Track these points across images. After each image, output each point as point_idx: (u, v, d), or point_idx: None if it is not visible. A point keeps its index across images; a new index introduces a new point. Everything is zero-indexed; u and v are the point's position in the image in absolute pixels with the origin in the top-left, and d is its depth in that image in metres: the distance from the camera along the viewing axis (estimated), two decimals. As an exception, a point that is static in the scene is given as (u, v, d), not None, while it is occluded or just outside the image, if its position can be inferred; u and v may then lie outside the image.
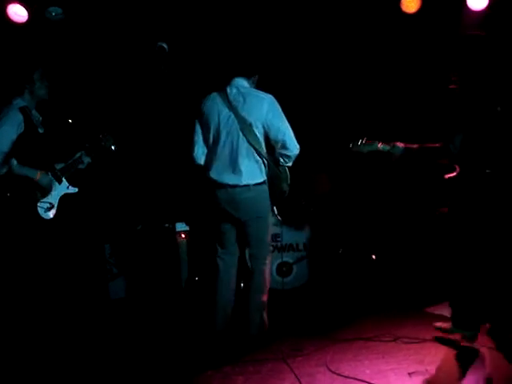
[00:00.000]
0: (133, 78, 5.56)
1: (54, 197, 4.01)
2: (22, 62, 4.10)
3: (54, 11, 5.30)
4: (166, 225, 5.24)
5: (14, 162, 3.87)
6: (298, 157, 3.97)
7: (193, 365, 3.72)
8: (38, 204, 3.93)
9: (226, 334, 3.90)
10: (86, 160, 4.19)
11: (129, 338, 4.34)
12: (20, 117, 3.89)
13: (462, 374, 3.39)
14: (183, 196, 5.42)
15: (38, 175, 3.92)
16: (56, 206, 4.01)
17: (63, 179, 4.09)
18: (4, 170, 3.84)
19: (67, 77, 5.34)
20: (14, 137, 3.84)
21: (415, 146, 4.00)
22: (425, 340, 3.88)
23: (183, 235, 5.27)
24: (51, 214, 3.98)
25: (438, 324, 3.91)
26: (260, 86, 4.03)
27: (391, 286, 5.21)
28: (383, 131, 4.68)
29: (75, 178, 4.19)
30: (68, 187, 4.11)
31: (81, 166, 4.19)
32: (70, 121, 5.06)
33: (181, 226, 5.26)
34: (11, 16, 5.14)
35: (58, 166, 4.10)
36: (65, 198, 4.12)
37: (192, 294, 5.20)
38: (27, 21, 5.21)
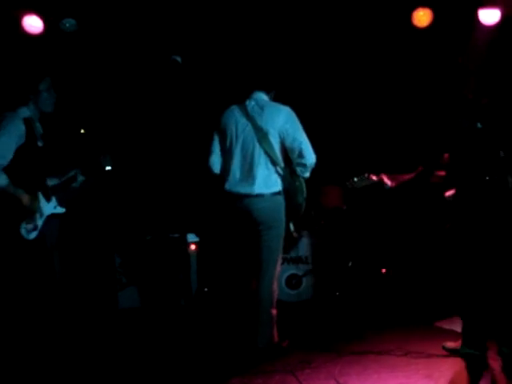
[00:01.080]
0: (146, 89, 5.63)
1: (39, 219, 3.78)
2: (30, 71, 3.96)
3: (68, 23, 5.38)
4: (176, 235, 5.25)
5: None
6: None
7: (200, 377, 3.70)
8: (22, 225, 3.72)
9: (234, 345, 3.89)
10: (80, 179, 4.05)
11: (137, 348, 4.34)
12: (22, 128, 3.72)
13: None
14: (194, 207, 5.44)
15: (26, 199, 3.72)
16: (40, 227, 3.78)
17: (53, 198, 3.88)
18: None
19: (79, 88, 5.40)
20: (14, 148, 3.66)
21: (391, 183, 4.43)
22: (434, 355, 3.85)
23: (193, 246, 5.29)
24: (34, 234, 3.75)
25: (447, 345, 3.88)
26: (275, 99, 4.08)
27: (401, 300, 5.18)
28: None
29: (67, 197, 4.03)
30: (55, 207, 3.88)
31: (74, 185, 4.03)
32: (83, 131, 5.10)
33: (191, 237, 5.27)
34: (26, 27, 5.23)
35: (52, 182, 3.93)
36: (75, 209, 4.09)
37: (201, 305, 5.20)
38: (42, 32, 5.30)
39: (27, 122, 3.75)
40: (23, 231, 3.72)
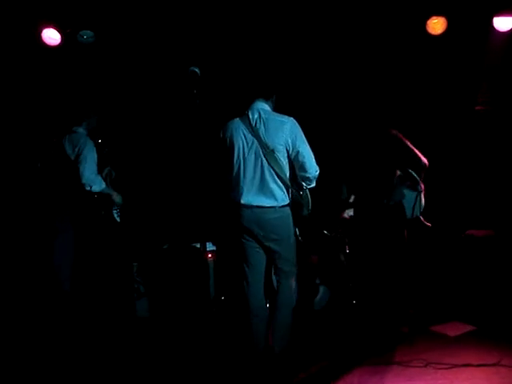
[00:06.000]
0: (165, 101, 5.69)
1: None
2: (82, 99, 4.95)
3: (86, 34, 5.46)
4: (198, 245, 5.28)
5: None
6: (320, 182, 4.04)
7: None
8: (114, 211, 4.90)
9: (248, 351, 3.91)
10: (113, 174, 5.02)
11: (152, 357, 4.39)
12: (93, 142, 4.76)
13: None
14: (210, 216, 5.46)
15: (115, 195, 4.86)
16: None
17: None
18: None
19: (97, 99, 5.46)
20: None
21: None
22: (454, 365, 3.87)
23: (210, 255, 5.31)
24: (119, 219, 4.94)
25: None
26: (279, 106, 4.06)
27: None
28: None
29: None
30: None
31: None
32: (100, 141, 5.16)
33: (208, 246, 5.29)
34: (45, 39, 5.32)
35: None
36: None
37: (218, 314, 5.21)
38: (60, 44, 5.39)
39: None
40: (115, 215, 4.90)
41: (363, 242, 4.83)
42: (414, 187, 4.61)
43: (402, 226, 4.65)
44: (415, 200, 4.61)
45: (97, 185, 4.67)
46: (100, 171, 4.85)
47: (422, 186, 4.65)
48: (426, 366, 3.90)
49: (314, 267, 5.36)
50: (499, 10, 5.42)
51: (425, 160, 4.64)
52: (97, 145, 4.92)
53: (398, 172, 4.66)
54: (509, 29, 5.50)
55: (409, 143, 4.65)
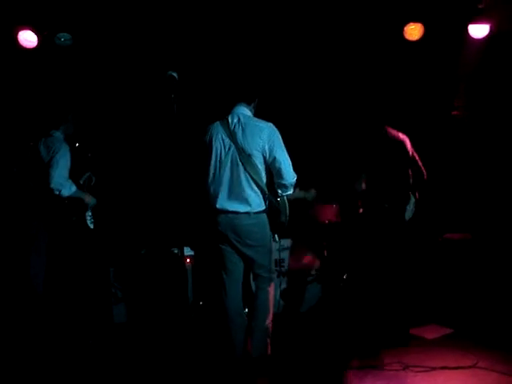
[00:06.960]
0: (142, 105, 5.66)
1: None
2: (60, 103, 4.93)
3: (63, 37, 5.41)
4: (176, 250, 5.25)
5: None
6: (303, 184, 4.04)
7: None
8: (87, 216, 4.82)
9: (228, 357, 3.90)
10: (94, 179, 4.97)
11: (130, 362, 4.35)
12: (68, 147, 4.68)
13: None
14: (188, 220, 5.44)
15: (88, 198, 4.79)
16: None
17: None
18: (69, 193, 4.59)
19: (74, 102, 5.43)
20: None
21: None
22: (433, 368, 3.91)
23: (188, 260, 5.27)
24: (92, 225, 4.86)
25: None
26: (263, 111, 4.05)
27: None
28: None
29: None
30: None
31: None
32: (77, 144, 5.12)
33: (186, 251, 5.26)
34: (22, 42, 5.26)
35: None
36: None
37: (197, 319, 5.19)
38: (37, 46, 5.33)
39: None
40: (88, 222, 4.82)
41: (366, 238, 4.87)
42: (413, 192, 4.82)
43: (403, 227, 4.80)
44: (413, 205, 4.77)
45: (66, 189, 4.56)
46: (80, 176, 4.80)
47: (417, 195, 4.87)
48: (404, 369, 3.92)
49: (301, 269, 5.37)
50: (474, 17, 5.51)
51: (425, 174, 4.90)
52: (74, 149, 4.88)
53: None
54: (483, 36, 5.60)
55: (415, 154, 4.90)
